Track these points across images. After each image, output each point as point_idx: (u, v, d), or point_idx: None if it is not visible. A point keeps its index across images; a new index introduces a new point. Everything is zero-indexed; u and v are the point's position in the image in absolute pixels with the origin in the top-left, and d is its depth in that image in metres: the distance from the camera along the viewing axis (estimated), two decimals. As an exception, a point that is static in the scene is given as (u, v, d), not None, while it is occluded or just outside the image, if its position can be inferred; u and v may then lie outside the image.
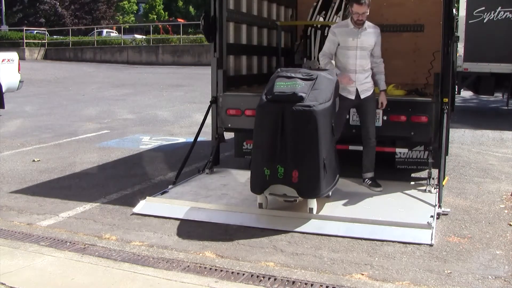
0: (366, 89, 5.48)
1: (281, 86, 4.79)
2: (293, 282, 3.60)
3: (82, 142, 9.00)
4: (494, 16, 12.21)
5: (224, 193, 5.54)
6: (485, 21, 12.24)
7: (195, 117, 11.67)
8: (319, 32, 7.88)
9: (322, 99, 4.72)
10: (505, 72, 12.24)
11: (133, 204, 5.28)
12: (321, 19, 7.88)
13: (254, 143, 4.93)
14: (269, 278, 3.64)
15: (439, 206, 5.00)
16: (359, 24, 5.34)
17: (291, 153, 4.59)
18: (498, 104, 15.01)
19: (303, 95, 4.67)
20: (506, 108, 13.22)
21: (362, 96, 5.46)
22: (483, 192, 5.92)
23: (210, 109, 6.27)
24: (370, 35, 5.44)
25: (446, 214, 4.98)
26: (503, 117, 13.10)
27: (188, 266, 3.85)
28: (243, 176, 6.01)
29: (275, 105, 4.69)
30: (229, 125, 6.25)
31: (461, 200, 5.59)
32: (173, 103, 14.68)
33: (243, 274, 3.72)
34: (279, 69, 5.24)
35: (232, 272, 3.75)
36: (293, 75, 4.90)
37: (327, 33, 7.90)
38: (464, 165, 7.30)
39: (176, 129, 10.36)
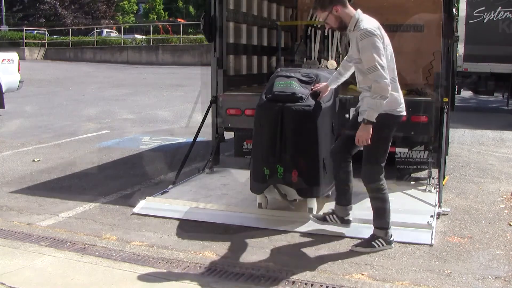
0: (363, 109, 4.11)
1: (281, 85, 4.79)
2: (293, 282, 3.59)
3: (82, 142, 9.00)
4: (494, 16, 12.22)
5: (224, 193, 5.54)
6: (485, 21, 12.25)
7: (195, 117, 11.61)
8: (319, 32, 7.89)
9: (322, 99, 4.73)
10: (505, 72, 12.26)
11: (133, 204, 5.27)
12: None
13: (254, 142, 4.93)
14: (269, 278, 3.64)
15: (439, 206, 4.99)
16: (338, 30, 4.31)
17: (290, 152, 4.59)
18: (498, 104, 15.01)
19: (303, 95, 4.66)
20: (506, 108, 13.22)
21: (359, 119, 4.12)
22: (483, 192, 5.92)
23: (210, 108, 6.28)
24: (353, 42, 4.09)
25: (446, 214, 4.98)
26: (503, 117, 13.09)
27: (188, 266, 3.85)
28: (243, 176, 6.00)
29: (275, 105, 4.68)
30: (229, 125, 6.25)
31: (461, 200, 5.58)
32: (173, 103, 14.68)
33: (243, 274, 3.71)
34: (279, 69, 5.24)
35: (232, 272, 3.75)
36: (292, 74, 4.89)
37: (327, 33, 8.00)
38: (464, 165, 7.30)
39: (176, 129, 10.36)
